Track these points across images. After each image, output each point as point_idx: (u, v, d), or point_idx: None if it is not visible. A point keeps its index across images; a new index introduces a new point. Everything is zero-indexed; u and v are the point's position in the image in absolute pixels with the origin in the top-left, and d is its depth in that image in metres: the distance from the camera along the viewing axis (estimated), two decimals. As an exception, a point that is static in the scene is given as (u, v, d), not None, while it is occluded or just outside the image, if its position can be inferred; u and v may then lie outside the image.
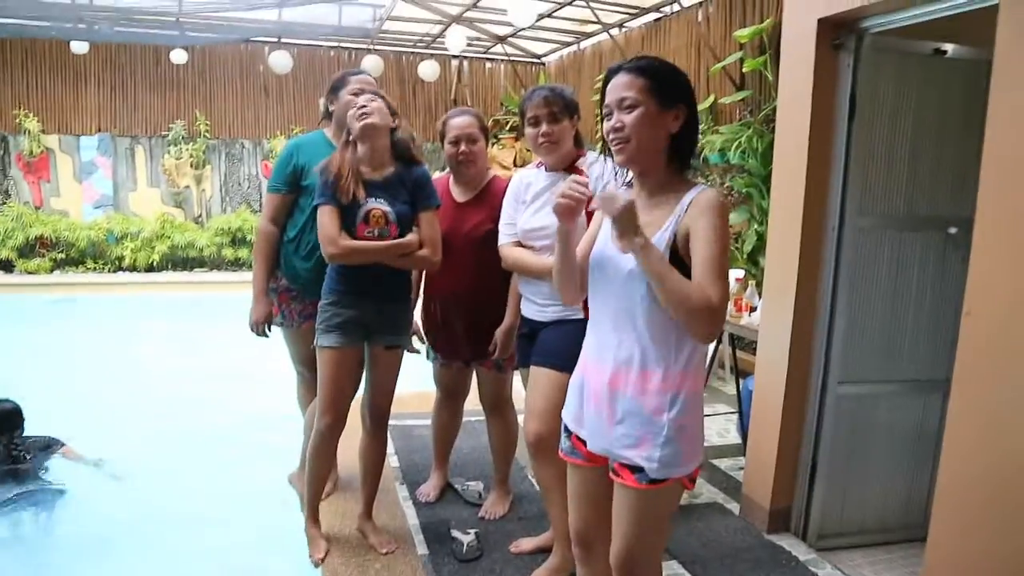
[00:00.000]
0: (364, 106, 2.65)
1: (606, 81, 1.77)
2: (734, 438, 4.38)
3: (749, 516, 3.30)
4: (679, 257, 1.67)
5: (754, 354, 3.49)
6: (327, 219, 2.63)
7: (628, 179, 1.87)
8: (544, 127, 2.57)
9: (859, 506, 3.11)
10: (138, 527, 3.20)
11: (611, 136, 1.73)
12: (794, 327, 3.05)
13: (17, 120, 9.90)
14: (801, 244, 2.99)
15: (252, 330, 3.15)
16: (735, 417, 4.45)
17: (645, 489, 1.73)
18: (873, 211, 2.93)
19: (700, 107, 6.85)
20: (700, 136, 6.76)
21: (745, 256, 5.99)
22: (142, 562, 2.94)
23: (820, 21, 2.87)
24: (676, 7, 7.56)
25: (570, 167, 2.63)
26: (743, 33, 5.93)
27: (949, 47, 2.87)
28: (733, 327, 4.34)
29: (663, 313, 1.65)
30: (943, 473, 2.32)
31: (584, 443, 1.87)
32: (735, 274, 5.40)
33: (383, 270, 2.71)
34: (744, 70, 6.24)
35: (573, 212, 1.69)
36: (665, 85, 1.70)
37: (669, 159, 1.75)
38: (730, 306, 4.48)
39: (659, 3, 7.75)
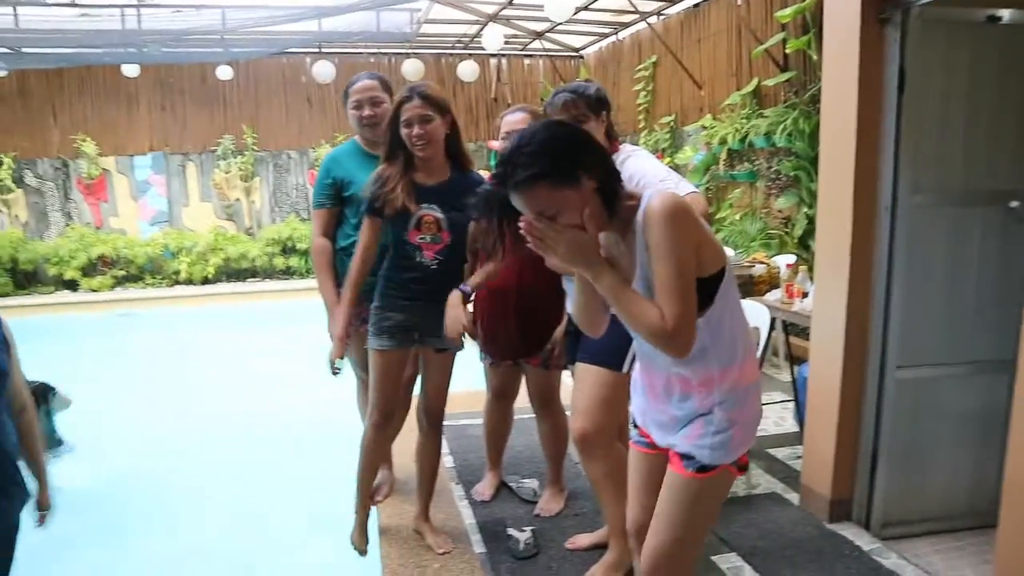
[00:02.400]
0: (421, 135, 2.58)
1: (508, 200, 1.59)
2: (791, 426, 4.28)
3: (809, 506, 3.23)
4: None
5: (808, 340, 3.41)
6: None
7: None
8: None
9: (924, 493, 3.01)
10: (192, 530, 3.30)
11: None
12: (848, 312, 2.97)
13: (76, 145, 10.28)
14: (853, 226, 2.91)
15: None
16: (791, 405, 4.36)
17: (692, 477, 1.72)
18: (928, 188, 2.83)
19: (744, 91, 6.79)
20: (745, 122, 6.63)
21: (796, 240, 5.87)
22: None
23: (863, -4, 2.78)
24: (714, -9, 7.44)
25: None
26: (785, 13, 5.80)
27: (1005, 12, 2.74)
28: (785, 313, 4.25)
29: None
30: (1011, 458, 2.23)
31: (650, 434, 1.88)
32: (786, 260, 5.29)
33: (429, 271, 2.72)
34: (787, 51, 6.11)
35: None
36: (561, 171, 1.54)
37: (610, 207, 1.61)
38: (781, 292, 4.39)
39: (697, -12, 7.64)
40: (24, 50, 9.59)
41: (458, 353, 2.90)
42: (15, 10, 8.49)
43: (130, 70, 9.85)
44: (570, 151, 1.58)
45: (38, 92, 10.23)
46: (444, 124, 2.63)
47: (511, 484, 3.52)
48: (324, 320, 3.11)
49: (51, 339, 7.60)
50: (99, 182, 10.52)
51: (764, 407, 4.46)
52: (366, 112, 3.05)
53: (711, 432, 1.70)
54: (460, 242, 2.76)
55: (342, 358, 2.88)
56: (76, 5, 9.41)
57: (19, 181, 10.32)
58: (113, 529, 3.50)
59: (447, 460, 3.87)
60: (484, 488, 3.49)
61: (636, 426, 1.93)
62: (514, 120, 2.95)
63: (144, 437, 4.64)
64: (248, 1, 8.91)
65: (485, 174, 3.19)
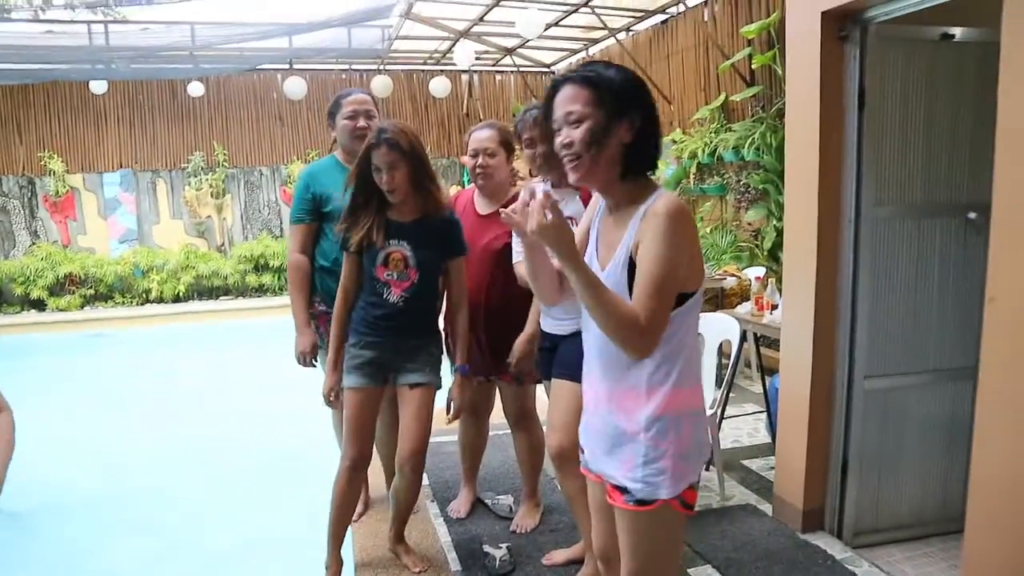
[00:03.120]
0: (390, 181, 2.58)
1: (552, 93, 1.65)
2: (764, 438, 4.33)
3: (782, 516, 3.26)
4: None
5: (779, 352, 3.45)
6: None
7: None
8: (539, 148, 2.57)
9: (894, 501, 3.06)
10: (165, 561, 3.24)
11: (563, 153, 1.63)
12: (816, 323, 3.02)
13: (42, 162, 10.13)
14: (818, 238, 2.97)
15: (299, 361, 3.14)
16: (764, 416, 4.41)
17: (634, 511, 1.67)
18: (890, 201, 2.89)
19: (712, 105, 6.88)
20: (714, 136, 6.71)
21: (765, 253, 5.94)
22: None
23: (824, 14, 2.85)
24: (681, 7, 7.54)
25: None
26: (750, 29, 5.91)
27: (957, 31, 2.83)
28: (756, 326, 4.30)
29: None
30: (975, 464, 2.28)
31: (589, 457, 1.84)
32: (756, 272, 5.36)
33: (395, 309, 2.69)
34: (753, 66, 6.21)
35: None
36: (613, 94, 1.59)
37: (625, 171, 1.64)
38: (751, 305, 4.44)
39: (665, 4, 7.74)
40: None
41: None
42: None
43: (98, 86, 9.76)
44: (639, 94, 1.63)
45: (2, 109, 10.07)
46: (408, 165, 2.60)
47: (486, 501, 3.52)
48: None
49: (17, 360, 7.46)
50: (67, 200, 10.36)
51: (738, 419, 4.53)
52: (360, 123, 3.04)
53: (640, 463, 1.64)
54: (428, 281, 2.74)
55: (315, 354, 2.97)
56: (42, 21, 9.33)
57: (-17, 200, 10.16)
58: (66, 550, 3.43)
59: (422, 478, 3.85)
60: (459, 505, 3.48)
61: (583, 449, 1.87)
62: (482, 137, 2.97)
63: (107, 461, 4.54)
64: (218, 18, 8.86)
65: (457, 190, 3.22)
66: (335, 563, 2.83)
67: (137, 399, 6.08)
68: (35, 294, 9.78)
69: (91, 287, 10.11)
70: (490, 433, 3.52)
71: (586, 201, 2.54)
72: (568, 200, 2.59)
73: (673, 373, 1.63)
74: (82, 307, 9.97)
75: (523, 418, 3.24)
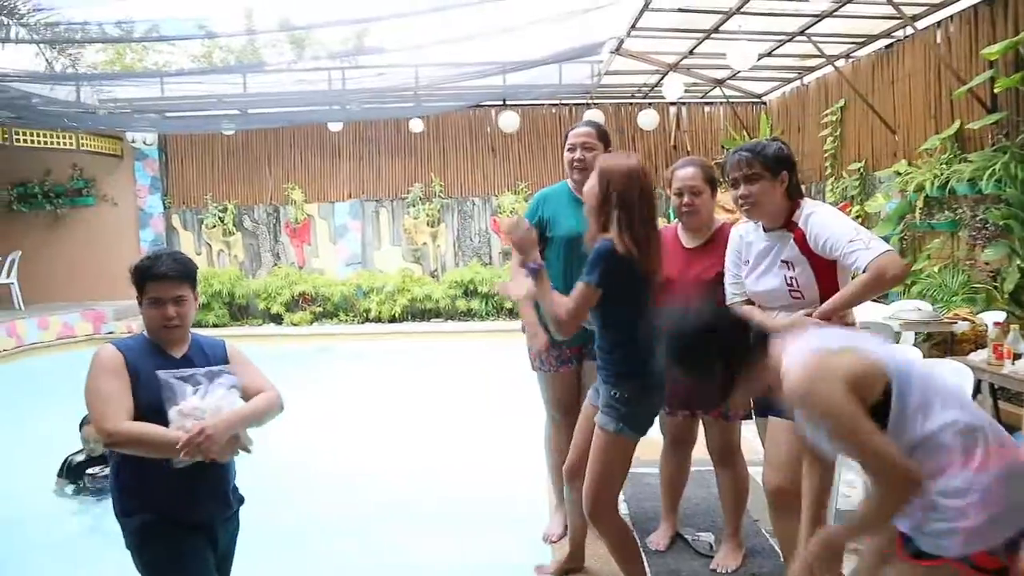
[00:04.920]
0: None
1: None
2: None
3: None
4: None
5: (1019, 406, 3.13)
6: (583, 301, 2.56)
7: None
8: (743, 188, 2.54)
9: None
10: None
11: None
12: (1070, 376, 2.71)
13: (286, 192, 11.47)
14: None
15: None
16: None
17: (908, 561, 1.60)
18: None
19: (944, 134, 6.39)
20: (945, 167, 6.25)
21: (1006, 296, 5.39)
22: None
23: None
24: (909, 30, 7.07)
25: (787, 222, 2.55)
26: (993, 50, 5.43)
27: None
28: (993, 376, 3.91)
29: None
30: None
31: None
32: (994, 317, 4.88)
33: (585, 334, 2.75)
34: (996, 90, 5.69)
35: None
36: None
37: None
38: (988, 352, 4.05)
39: (890, 28, 7.30)
40: (249, 111, 10.90)
41: None
42: (244, 78, 9.70)
43: (334, 125, 10.92)
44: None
45: (257, 146, 11.57)
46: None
47: (687, 536, 3.48)
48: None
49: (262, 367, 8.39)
50: (304, 226, 11.63)
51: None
52: (577, 155, 3.19)
53: (929, 517, 1.58)
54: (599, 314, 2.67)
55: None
56: (293, 70, 10.62)
57: (239, 225, 11.65)
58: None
59: (622, 507, 3.88)
60: (659, 538, 3.46)
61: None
62: (687, 175, 2.99)
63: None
64: (440, 59, 9.61)
65: (663, 223, 3.24)
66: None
67: (361, 407, 6.66)
68: (274, 309, 11.03)
69: (320, 305, 11.19)
70: (692, 468, 3.49)
71: (800, 242, 2.49)
72: (782, 243, 2.55)
73: (922, 438, 1.58)
74: (312, 323, 11.05)
75: (728, 454, 3.19)
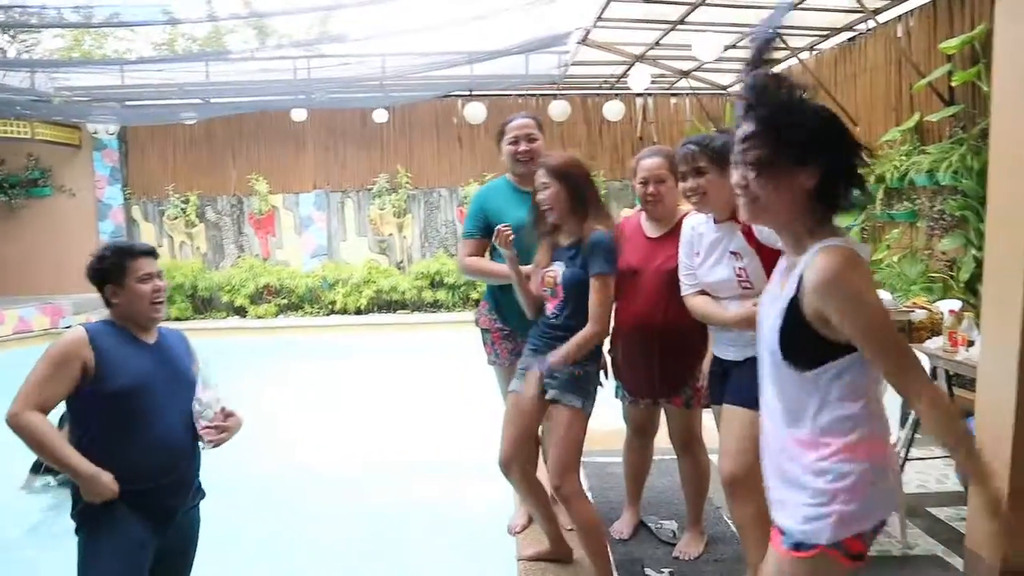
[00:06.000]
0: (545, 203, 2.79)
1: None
2: (954, 485, 3.98)
3: (973, 572, 2.99)
4: (804, 329, 1.54)
5: (974, 392, 3.18)
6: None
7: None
8: (690, 182, 2.58)
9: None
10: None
11: (737, 192, 1.60)
12: (1021, 362, 2.76)
13: (250, 183, 11.29)
14: (1026, 271, 2.72)
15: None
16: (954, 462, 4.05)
17: (786, 556, 1.60)
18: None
19: (904, 126, 6.47)
20: (905, 159, 6.31)
21: (961, 285, 5.49)
22: None
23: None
24: (872, 24, 7.16)
25: (734, 215, 2.56)
26: (951, 44, 5.52)
27: None
28: (948, 363, 3.99)
29: (792, 377, 1.58)
30: None
31: None
32: (950, 305, 4.97)
33: (551, 323, 2.83)
34: (953, 83, 5.79)
35: None
36: (791, 140, 1.50)
37: (810, 212, 1.56)
38: (943, 340, 4.13)
39: (853, 22, 7.39)
40: (212, 100, 10.71)
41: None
42: (207, 66, 9.54)
43: (298, 114, 10.75)
44: (825, 137, 1.52)
45: (221, 137, 11.37)
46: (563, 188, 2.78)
47: (650, 524, 3.49)
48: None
49: (224, 361, 8.27)
50: (268, 217, 11.47)
51: (924, 462, 4.21)
52: (521, 148, 3.22)
53: (803, 504, 1.58)
54: (574, 301, 2.78)
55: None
56: (256, 59, 10.45)
57: (201, 216, 11.45)
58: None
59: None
60: (622, 526, 3.47)
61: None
62: (652, 164, 3.00)
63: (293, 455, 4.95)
64: (407, 49, 9.52)
65: (629, 212, 3.26)
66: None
67: (323, 400, 6.59)
68: (238, 302, 10.87)
69: (285, 297, 11.06)
70: (655, 457, 3.50)
71: (747, 235, 2.51)
72: (730, 235, 2.58)
73: (838, 421, 1.57)
74: (276, 315, 10.91)
75: (689, 443, 3.20)
